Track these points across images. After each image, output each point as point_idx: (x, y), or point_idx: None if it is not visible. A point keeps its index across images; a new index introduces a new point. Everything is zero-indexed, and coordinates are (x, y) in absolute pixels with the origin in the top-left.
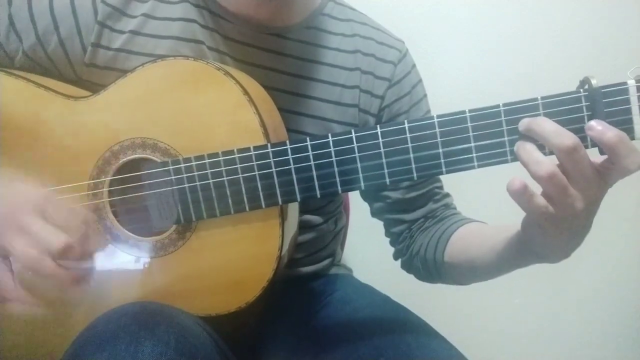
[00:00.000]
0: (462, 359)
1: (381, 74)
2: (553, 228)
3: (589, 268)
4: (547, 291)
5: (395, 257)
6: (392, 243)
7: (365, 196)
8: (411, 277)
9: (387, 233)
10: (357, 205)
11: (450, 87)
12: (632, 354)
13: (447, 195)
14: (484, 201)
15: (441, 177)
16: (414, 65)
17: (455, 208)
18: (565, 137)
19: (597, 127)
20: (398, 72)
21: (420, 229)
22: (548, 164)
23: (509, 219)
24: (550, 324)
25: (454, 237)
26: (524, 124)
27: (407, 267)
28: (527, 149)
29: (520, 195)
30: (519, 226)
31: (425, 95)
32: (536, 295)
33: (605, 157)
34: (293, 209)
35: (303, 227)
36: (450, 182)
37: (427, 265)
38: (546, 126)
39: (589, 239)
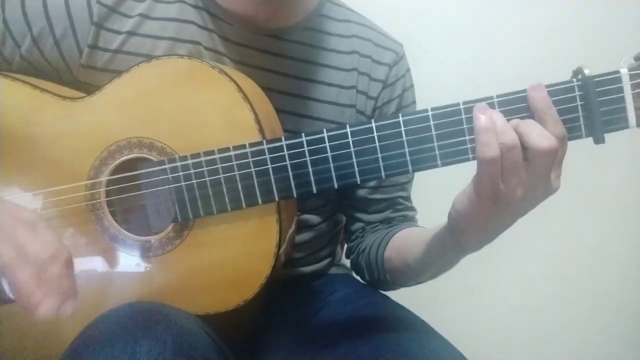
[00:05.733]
0: (462, 359)
1: (377, 76)
2: (484, 211)
3: (589, 268)
4: (546, 291)
5: (347, 255)
6: (346, 239)
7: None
8: None
9: (345, 229)
10: None
11: (450, 87)
12: (632, 355)
13: (411, 208)
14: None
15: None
16: (408, 70)
17: (414, 221)
18: (488, 149)
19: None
20: (392, 74)
21: (372, 230)
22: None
23: None
24: (549, 324)
25: (395, 237)
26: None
27: (354, 266)
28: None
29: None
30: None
31: (414, 102)
32: (535, 295)
33: None
34: (290, 205)
35: (302, 226)
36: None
37: (369, 263)
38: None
39: (590, 239)
